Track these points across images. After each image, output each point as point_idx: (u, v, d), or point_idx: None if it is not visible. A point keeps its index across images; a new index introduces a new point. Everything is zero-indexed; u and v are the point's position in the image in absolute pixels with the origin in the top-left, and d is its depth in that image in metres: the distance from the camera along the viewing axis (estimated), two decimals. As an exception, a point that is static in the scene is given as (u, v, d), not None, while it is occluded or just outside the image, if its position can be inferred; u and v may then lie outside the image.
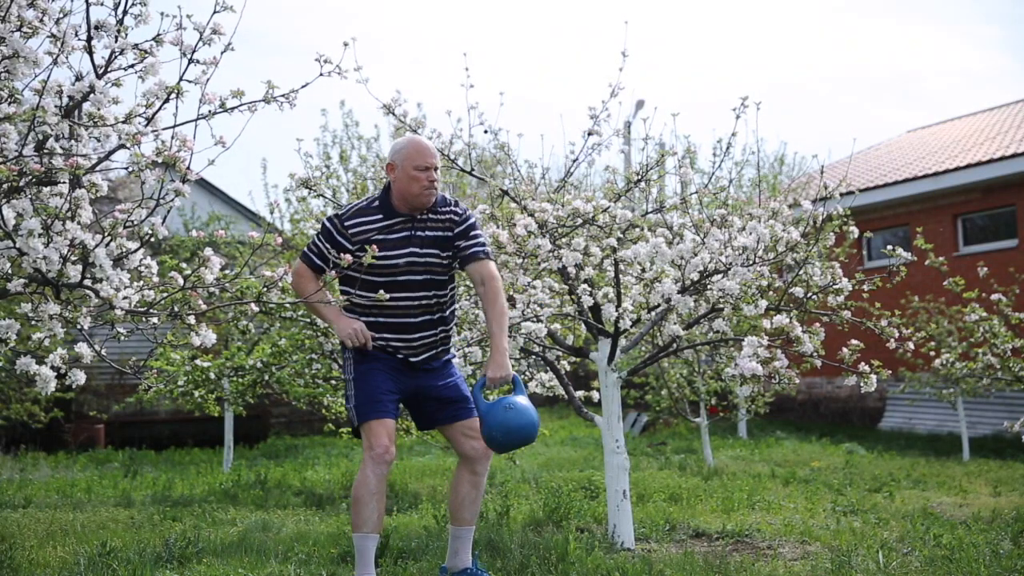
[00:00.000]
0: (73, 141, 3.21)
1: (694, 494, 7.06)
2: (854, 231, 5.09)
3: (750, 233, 4.89)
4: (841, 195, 5.33)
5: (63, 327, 3.31)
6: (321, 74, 3.56)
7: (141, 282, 3.40)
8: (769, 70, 47.90)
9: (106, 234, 3.18)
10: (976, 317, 6.77)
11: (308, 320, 7.62)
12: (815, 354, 4.59)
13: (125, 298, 3.30)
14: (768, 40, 49.72)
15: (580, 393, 5.58)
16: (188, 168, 3.18)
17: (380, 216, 3.98)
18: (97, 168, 3.22)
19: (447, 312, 4.09)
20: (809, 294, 4.96)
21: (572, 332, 5.63)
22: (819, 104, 48.08)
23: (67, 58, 3.28)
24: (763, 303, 4.79)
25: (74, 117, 3.23)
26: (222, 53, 3.32)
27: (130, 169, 3.12)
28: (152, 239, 3.29)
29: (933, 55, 51.95)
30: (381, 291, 3.75)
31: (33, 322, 3.31)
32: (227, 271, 3.56)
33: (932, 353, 9.37)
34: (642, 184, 5.35)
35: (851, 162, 17.58)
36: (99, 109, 3.16)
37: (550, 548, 4.63)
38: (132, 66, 3.31)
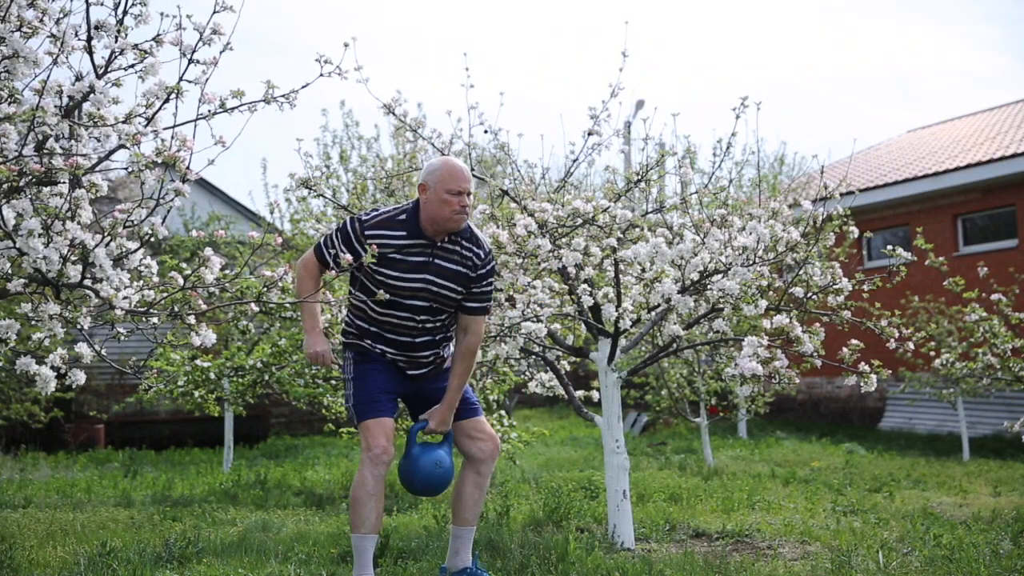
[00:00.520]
0: (73, 141, 3.21)
1: (694, 494, 7.06)
2: (854, 231, 5.09)
3: (750, 233, 4.89)
4: (841, 195, 5.33)
5: (63, 327, 3.31)
6: (321, 74, 3.56)
7: (141, 282, 3.40)
8: (769, 70, 47.92)
9: (106, 234, 3.18)
10: (976, 317, 6.77)
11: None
12: (815, 354, 4.59)
13: (125, 298, 3.30)
14: (768, 40, 49.73)
15: (580, 393, 5.58)
16: (188, 168, 3.18)
17: (403, 234, 3.88)
18: (97, 168, 3.22)
19: (448, 332, 4.10)
20: (809, 294, 4.96)
21: (572, 332, 5.63)
22: (819, 104, 48.11)
23: (67, 58, 3.28)
24: (763, 303, 4.79)
25: (74, 117, 3.23)
26: (221, 53, 3.32)
27: (130, 169, 3.12)
28: (152, 239, 3.29)
29: (933, 55, 51.97)
30: (380, 291, 3.75)
31: (33, 322, 3.31)
32: (227, 271, 3.56)
33: (932, 353, 9.36)
34: (642, 184, 5.35)
35: (851, 162, 17.58)
36: (99, 109, 3.16)
37: (550, 548, 4.63)
38: (132, 66, 3.31)
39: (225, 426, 9.58)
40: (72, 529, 5.60)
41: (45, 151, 3.12)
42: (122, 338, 3.56)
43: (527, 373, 6.02)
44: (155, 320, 3.43)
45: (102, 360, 3.56)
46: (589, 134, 5.37)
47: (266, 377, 8.78)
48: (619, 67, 5.31)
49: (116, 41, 3.28)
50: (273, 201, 14.56)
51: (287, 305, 4.05)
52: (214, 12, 3.34)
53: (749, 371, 4.36)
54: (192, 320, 3.40)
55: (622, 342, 5.34)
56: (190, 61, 3.29)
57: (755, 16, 49.58)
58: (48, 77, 3.18)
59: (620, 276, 5.12)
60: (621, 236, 5.13)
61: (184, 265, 3.53)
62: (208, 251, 3.40)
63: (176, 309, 3.37)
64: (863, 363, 4.51)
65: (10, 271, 3.23)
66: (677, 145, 9.97)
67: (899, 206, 15.01)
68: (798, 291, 4.97)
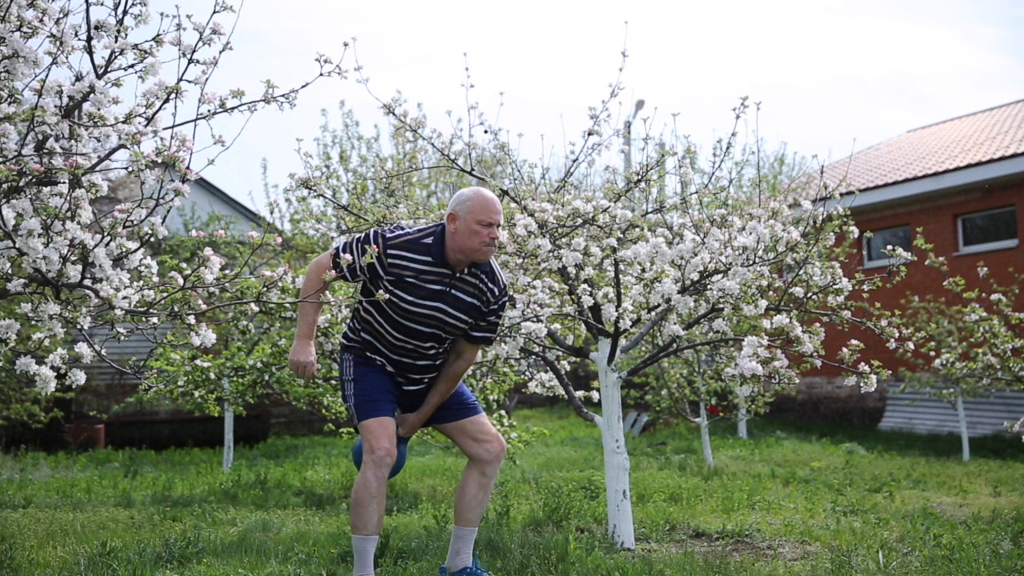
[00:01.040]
0: (73, 141, 3.21)
1: (694, 494, 7.06)
2: (854, 231, 5.09)
3: (750, 233, 4.89)
4: (841, 195, 5.33)
5: (63, 327, 3.31)
6: (321, 74, 3.56)
7: (141, 282, 3.40)
8: (769, 70, 47.92)
9: (106, 234, 3.18)
10: (976, 317, 6.77)
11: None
12: (815, 354, 4.59)
13: (125, 298, 3.30)
14: (768, 40, 49.73)
15: (580, 393, 5.58)
16: (188, 168, 3.18)
17: (428, 259, 3.84)
18: (97, 168, 3.22)
19: (447, 355, 4.10)
20: (809, 294, 4.96)
21: (572, 332, 5.63)
22: (819, 104, 48.11)
23: (67, 58, 3.28)
24: (763, 303, 4.79)
25: (74, 117, 3.23)
26: (221, 53, 3.32)
27: (130, 169, 3.12)
28: (152, 239, 3.29)
29: (933, 55, 51.97)
30: (380, 291, 3.74)
31: (33, 322, 3.31)
32: (227, 271, 3.56)
33: (932, 353, 9.37)
34: (642, 184, 5.35)
35: (851, 162, 17.58)
36: (99, 109, 3.16)
37: (550, 548, 4.62)
38: (132, 66, 3.31)
39: (225, 426, 9.58)
40: (72, 529, 5.60)
41: (45, 151, 3.12)
42: (122, 338, 3.56)
43: (527, 373, 6.02)
44: (155, 320, 3.43)
45: (102, 360, 3.56)
46: (589, 134, 5.37)
47: (266, 377, 8.78)
48: (619, 67, 5.32)
49: (116, 41, 3.28)
50: (273, 201, 14.58)
51: (287, 305, 4.04)
52: (214, 12, 3.34)
53: (749, 371, 4.36)
54: (192, 320, 3.40)
55: (622, 342, 5.34)
56: (190, 61, 3.29)
57: (755, 16, 49.60)
58: (48, 77, 3.18)
59: (620, 276, 5.12)
60: (621, 236, 5.13)
61: (184, 265, 3.53)
62: (208, 251, 3.40)
63: (176, 309, 3.37)
64: (863, 363, 4.50)
65: (10, 271, 3.23)
66: (677, 145, 9.97)
67: (899, 206, 15.01)
68: (798, 291, 4.97)
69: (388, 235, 3.86)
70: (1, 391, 11.13)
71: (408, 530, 5.56)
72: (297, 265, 10.58)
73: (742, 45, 48.53)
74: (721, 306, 5.00)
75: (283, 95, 3.41)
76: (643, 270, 5.17)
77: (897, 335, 4.78)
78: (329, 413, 8.52)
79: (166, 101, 3.23)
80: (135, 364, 3.95)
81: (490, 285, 3.96)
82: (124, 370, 3.78)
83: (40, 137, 3.16)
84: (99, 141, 3.28)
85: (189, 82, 3.27)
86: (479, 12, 56.57)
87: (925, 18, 53.03)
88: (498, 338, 4.96)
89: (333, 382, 8.61)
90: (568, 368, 6.14)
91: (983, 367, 7.77)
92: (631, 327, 5.20)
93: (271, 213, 14.01)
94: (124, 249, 3.26)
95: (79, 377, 3.27)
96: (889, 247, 4.85)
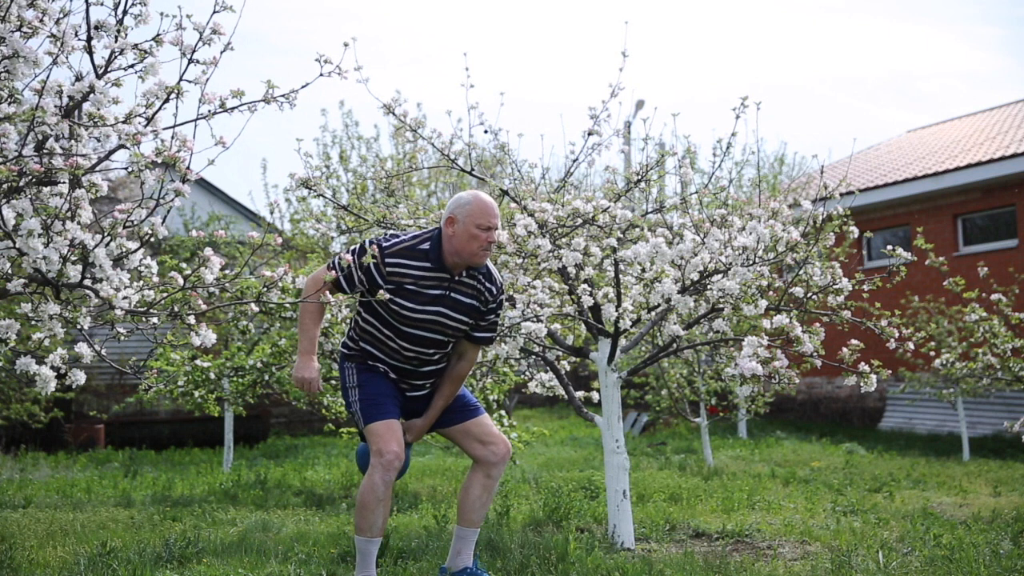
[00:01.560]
0: (73, 141, 3.21)
1: (694, 494, 7.06)
2: (854, 231, 5.09)
3: (750, 233, 4.89)
4: (841, 195, 5.33)
5: (63, 327, 3.31)
6: (321, 74, 3.56)
7: (141, 282, 3.40)
8: (769, 70, 47.91)
9: (106, 234, 3.18)
10: (976, 317, 6.77)
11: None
12: (815, 354, 4.59)
13: (125, 298, 3.30)
14: (768, 40, 49.72)
15: (580, 393, 5.58)
16: (188, 168, 3.18)
17: (427, 265, 3.84)
18: (97, 168, 3.22)
19: (449, 359, 4.10)
20: (809, 294, 4.96)
21: (572, 332, 5.63)
22: (819, 104, 48.11)
23: (67, 58, 3.28)
24: (763, 303, 4.79)
25: (74, 117, 3.23)
26: (221, 53, 3.31)
27: (130, 169, 3.12)
28: (152, 239, 3.29)
29: (933, 55, 51.97)
30: (381, 292, 3.73)
31: (33, 322, 3.31)
32: (227, 271, 3.56)
33: (932, 353, 9.37)
34: (642, 184, 5.35)
35: (851, 162, 17.58)
36: (99, 109, 3.16)
37: (550, 548, 4.62)
38: (132, 66, 3.31)
39: (225, 426, 9.58)
40: (72, 529, 5.60)
41: (45, 151, 3.12)
42: (122, 338, 3.56)
43: (527, 373, 6.02)
44: (155, 320, 3.43)
45: (102, 360, 3.56)
46: (589, 134, 5.37)
47: (266, 377, 8.78)
48: (619, 67, 5.32)
49: (116, 41, 3.28)
50: (273, 201, 14.58)
51: (287, 305, 4.04)
52: (214, 12, 3.34)
53: (749, 371, 4.36)
54: (192, 320, 3.40)
55: (622, 342, 5.34)
56: (190, 61, 3.29)
57: (755, 16, 49.60)
58: (48, 77, 3.18)
59: (620, 276, 5.12)
60: (621, 236, 5.13)
61: (184, 265, 3.53)
62: (208, 251, 3.40)
63: (176, 309, 3.37)
64: (863, 363, 4.50)
65: (10, 271, 3.23)
66: (677, 145, 9.96)
67: (899, 206, 15.01)
68: (798, 291, 4.97)
69: (384, 244, 3.84)
70: (1, 391, 11.13)
71: (408, 530, 5.55)
72: (297, 265, 10.58)
73: (742, 45, 48.54)
74: (721, 306, 5.00)
75: (283, 95, 3.41)
76: (643, 270, 5.17)
77: (897, 335, 4.78)
78: (329, 413, 8.51)
79: (166, 101, 3.23)
80: (135, 364, 3.95)
81: (487, 285, 3.96)
82: (124, 370, 3.78)
83: (40, 137, 3.16)
84: (99, 141, 3.28)
85: (189, 82, 3.27)
86: (479, 12, 56.58)
87: (925, 18, 53.05)
88: (499, 338, 4.96)
89: (333, 381, 8.61)
90: (568, 368, 6.14)
91: (983, 367, 7.77)
92: (631, 327, 5.20)
93: (271, 213, 14.01)
94: (124, 249, 3.26)
95: (79, 377, 3.27)
96: (889, 247, 4.85)
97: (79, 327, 3.38)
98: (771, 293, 5.13)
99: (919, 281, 12.36)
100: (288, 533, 5.48)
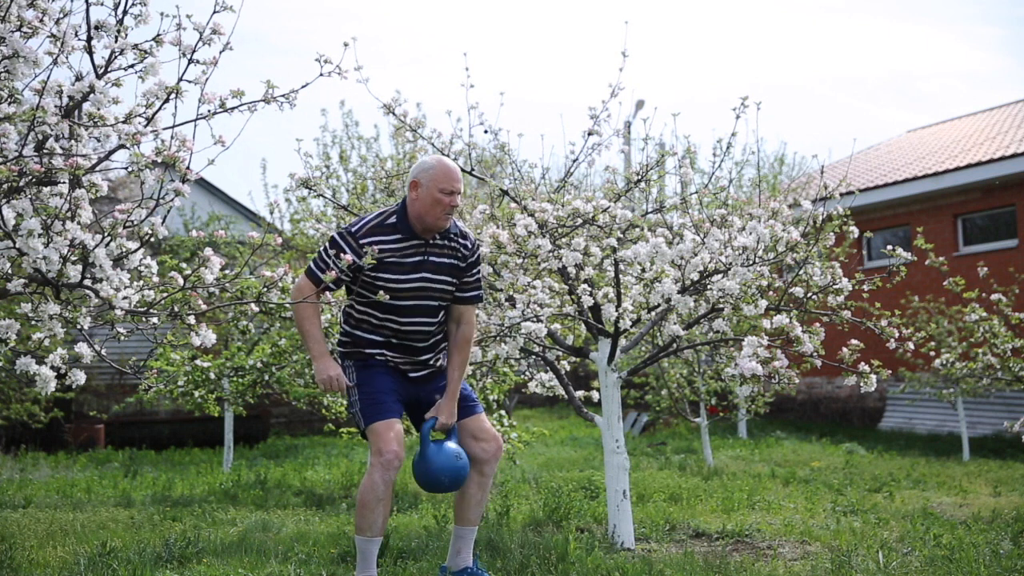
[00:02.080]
0: (73, 141, 3.21)
1: (694, 494, 7.05)
2: (854, 231, 5.09)
3: (750, 233, 4.89)
4: (841, 195, 5.33)
5: (63, 327, 3.31)
6: (321, 74, 3.56)
7: (141, 282, 3.40)
8: (769, 70, 47.91)
9: (106, 234, 3.18)
10: (976, 317, 6.77)
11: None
12: (815, 354, 4.59)
13: (125, 298, 3.30)
14: (768, 40, 49.73)
15: (580, 393, 5.58)
16: (188, 168, 3.18)
17: (398, 236, 3.92)
18: (97, 168, 3.22)
19: (444, 332, 4.12)
20: (809, 294, 4.96)
21: (572, 332, 5.63)
22: (819, 104, 48.11)
23: (67, 58, 3.28)
24: (763, 303, 4.79)
25: (74, 117, 3.23)
26: (221, 53, 3.32)
27: (130, 169, 3.12)
28: (152, 239, 3.29)
29: (933, 55, 51.97)
30: (381, 292, 3.74)
31: (33, 322, 3.31)
32: (227, 271, 3.56)
33: (932, 353, 9.37)
34: (642, 184, 5.35)
35: (851, 162, 17.58)
36: (99, 109, 3.16)
37: (550, 548, 4.62)
38: (132, 66, 3.31)
39: (225, 426, 9.58)
40: (72, 529, 5.60)
41: (45, 151, 3.12)
42: (122, 338, 3.56)
43: (527, 373, 6.02)
44: (155, 320, 3.43)
45: (102, 360, 3.56)
46: (589, 134, 5.37)
47: (266, 377, 8.78)
48: (619, 67, 5.32)
49: (116, 41, 3.28)
50: (273, 201, 14.56)
51: (287, 305, 4.04)
52: (214, 12, 3.34)
53: (749, 371, 4.36)
54: (192, 320, 3.40)
55: (622, 342, 5.34)
56: (190, 61, 3.29)
57: (755, 16, 49.60)
58: (48, 77, 3.18)
59: (620, 276, 5.12)
60: (621, 236, 5.13)
61: (184, 265, 3.53)
62: (208, 251, 3.40)
63: (176, 309, 3.37)
64: (863, 363, 4.50)
65: (10, 271, 3.23)
66: (677, 145, 9.95)
67: (899, 206, 15.01)
68: (798, 291, 4.97)
69: (353, 228, 3.92)
70: (1, 391, 11.13)
71: (408, 530, 5.55)
72: (297, 265, 10.58)
73: (742, 45, 48.54)
74: (721, 306, 5.00)
75: (283, 95, 3.41)
76: (643, 270, 5.17)
77: (897, 335, 4.78)
78: (329, 413, 8.51)
79: (166, 101, 3.23)
80: (135, 364, 3.95)
81: (461, 241, 4.05)
82: (124, 370, 3.78)
83: (40, 137, 3.16)
84: (99, 141, 3.28)
85: (189, 82, 3.27)
86: (479, 12, 56.57)
87: (925, 18, 53.04)
88: (498, 338, 4.96)
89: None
90: (568, 368, 6.14)
91: (983, 367, 7.77)
92: (631, 327, 5.20)
93: (271, 213, 13.99)
94: (124, 249, 3.26)
95: (79, 377, 3.27)
96: (889, 247, 4.85)
97: (79, 327, 3.38)
98: (771, 293, 5.13)
99: (919, 281, 12.36)
100: (288, 533, 5.48)
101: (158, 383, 8.08)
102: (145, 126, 3.19)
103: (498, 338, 4.99)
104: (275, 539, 5.26)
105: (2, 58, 3.11)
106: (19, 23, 3.14)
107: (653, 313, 5.21)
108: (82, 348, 3.30)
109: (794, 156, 24.23)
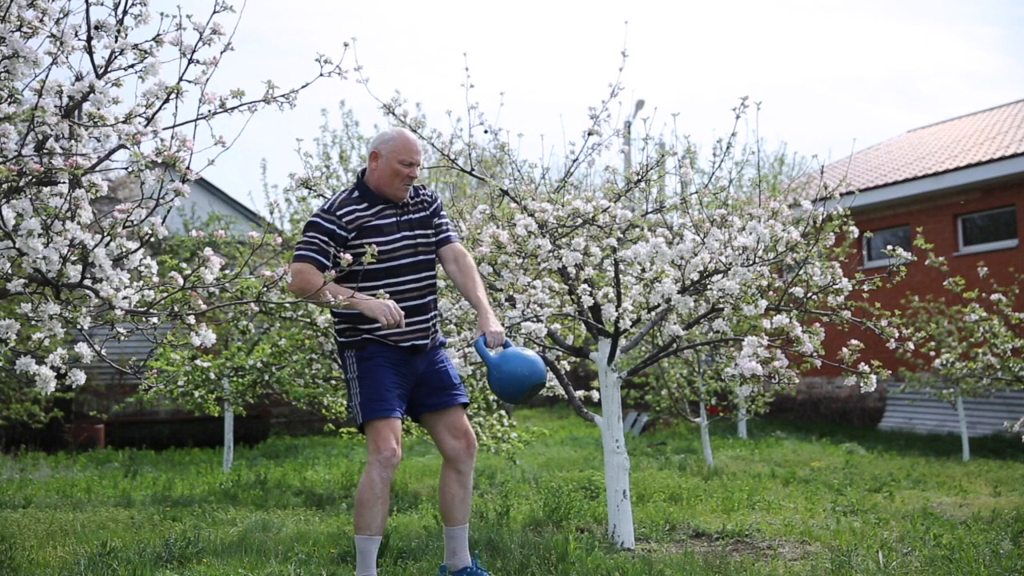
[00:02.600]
0: (73, 141, 3.21)
1: (694, 494, 7.06)
2: (854, 231, 5.09)
3: (750, 233, 4.89)
4: (841, 195, 5.33)
5: (63, 327, 3.30)
6: (321, 74, 3.56)
7: (141, 282, 3.39)
8: (769, 70, 47.91)
9: (106, 234, 3.18)
10: (976, 317, 6.77)
11: (308, 320, 7.61)
12: (815, 354, 4.59)
13: (125, 298, 3.30)
14: (768, 40, 49.73)
15: (580, 393, 5.58)
16: (188, 168, 3.18)
17: (365, 204, 4.04)
18: (97, 168, 3.22)
19: (435, 292, 4.19)
20: (809, 294, 4.96)
21: (572, 332, 5.63)
22: (819, 104, 48.11)
23: (67, 58, 3.28)
24: (763, 303, 4.79)
25: (74, 117, 3.23)
26: (222, 53, 3.31)
27: (130, 169, 3.11)
28: (152, 239, 3.29)
29: (933, 55, 51.96)
30: (380, 291, 3.73)
31: (33, 322, 3.31)
32: (227, 271, 3.56)
33: (932, 353, 9.37)
34: (642, 184, 5.35)
35: (851, 162, 17.58)
36: (99, 109, 3.16)
37: (550, 548, 4.63)
38: (132, 66, 3.30)
39: (225, 426, 9.58)
40: (72, 529, 5.60)
41: (45, 151, 3.11)
42: (122, 338, 3.55)
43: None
44: (155, 320, 3.43)
45: (102, 360, 3.55)
46: (589, 134, 5.37)
47: (266, 377, 8.77)
48: (619, 67, 5.32)
49: (116, 41, 3.27)
50: (273, 201, 14.54)
51: (287, 305, 4.05)
52: (214, 12, 3.34)
53: (749, 371, 4.36)
54: (192, 320, 3.40)
55: (622, 342, 5.34)
56: (190, 61, 3.28)
57: (755, 16, 49.60)
58: (48, 77, 3.18)
59: (620, 276, 5.12)
60: (621, 236, 5.13)
61: (184, 265, 3.53)
62: (208, 251, 3.40)
63: (176, 309, 3.36)
64: (863, 363, 4.50)
65: (10, 271, 3.23)
66: (677, 145, 9.95)
67: (899, 206, 15.01)
68: (798, 291, 4.97)
69: (326, 207, 4.03)
70: (1, 391, 11.13)
71: (408, 530, 5.56)
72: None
73: (742, 45, 48.54)
74: (721, 306, 5.00)
75: (283, 95, 3.41)
76: (643, 270, 5.17)
77: (897, 335, 4.78)
78: (329, 413, 8.52)
79: (166, 101, 3.23)
80: (135, 364, 3.95)
81: (423, 194, 4.19)
82: (124, 370, 3.78)
83: (40, 137, 3.16)
84: (99, 141, 3.28)
85: (189, 82, 3.27)
86: (479, 12, 56.58)
87: (925, 18, 53.03)
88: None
89: (333, 381, 8.62)
90: (568, 368, 6.14)
91: (983, 367, 7.77)
92: (631, 327, 5.20)
93: (271, 213, 13.98)
94: (124, 249, 3.25)
95: (79, 377, 3.27)
96: (889, 247, 4.85)
97: (79, 327, 3.38)
98: (771, 293, 5.13)
99: (919, 281, 12.36)
100: (288, 533, 5.48)
101: (158, 383, 8.09)
102: (145, 126, 3.18)
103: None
104: (275, 539, 5.26)
105: (2, 58, 3.11)
106: (19, 23, 3.14)
107: (653, 313, 5.21)
108: (82, 348, 3.30)
109: (794, 156, 24.24)
